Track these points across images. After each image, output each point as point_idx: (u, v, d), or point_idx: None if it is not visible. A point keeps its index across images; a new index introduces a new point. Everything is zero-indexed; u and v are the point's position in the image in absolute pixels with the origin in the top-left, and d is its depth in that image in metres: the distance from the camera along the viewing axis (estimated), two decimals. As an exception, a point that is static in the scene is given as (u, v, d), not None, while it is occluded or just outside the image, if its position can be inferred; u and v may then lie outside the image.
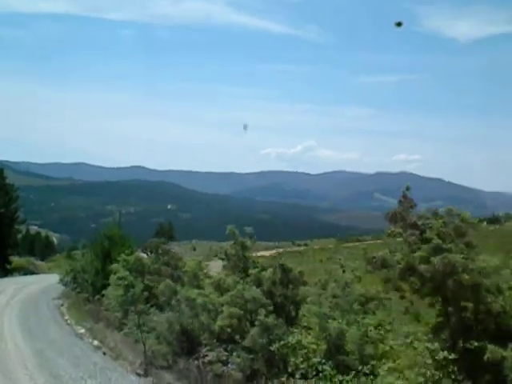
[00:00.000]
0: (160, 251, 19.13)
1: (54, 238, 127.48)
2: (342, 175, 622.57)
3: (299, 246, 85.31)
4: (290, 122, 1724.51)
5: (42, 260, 70.73)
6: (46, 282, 37.14)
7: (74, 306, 25.58)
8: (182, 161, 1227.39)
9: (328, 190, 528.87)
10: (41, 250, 70.41)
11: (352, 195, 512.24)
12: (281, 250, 79.26)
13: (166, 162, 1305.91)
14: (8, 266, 41.25)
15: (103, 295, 20.12)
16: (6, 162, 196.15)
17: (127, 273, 15.13)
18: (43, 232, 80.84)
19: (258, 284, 12.43)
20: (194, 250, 77.28)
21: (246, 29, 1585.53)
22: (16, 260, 44.33)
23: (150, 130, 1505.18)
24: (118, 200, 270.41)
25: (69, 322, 22.63)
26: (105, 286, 18.92)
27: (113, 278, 15.55)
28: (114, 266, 16.30)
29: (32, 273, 45.28)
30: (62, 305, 27.46)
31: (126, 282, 14.66)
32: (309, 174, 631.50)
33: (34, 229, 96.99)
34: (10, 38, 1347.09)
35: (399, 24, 9.78)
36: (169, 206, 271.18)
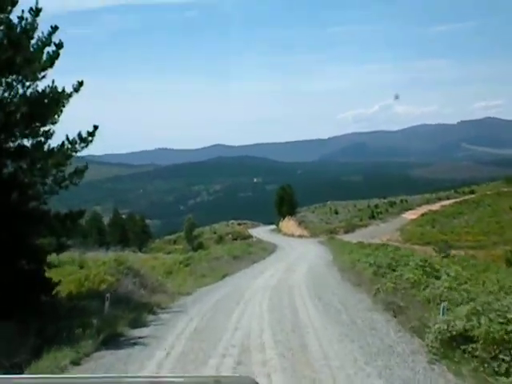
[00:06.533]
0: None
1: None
2: (424, 128, 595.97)
3: (464, 193, 78.11)
4: (364, 84, 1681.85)
5: (140, 250, 52.91)
6: None
7: None
8: (262, 134, 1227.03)
9: (412, 144, 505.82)
10: (137, 236, 62.24)
11: (438, 148, 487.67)
12: (449, 201, 70.25)
13: (245, 137, 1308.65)
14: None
15: None
16: (92, 156, 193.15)
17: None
18: (137, 216, 73.47)
19: None
20: (336, 213, 69.86)
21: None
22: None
23: (226, 109, 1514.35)
24: (202, 180, 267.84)
25: None
26: None
27: None
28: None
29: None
30: None
31: None
32: (390, 132, 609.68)
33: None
34: (80, 35, 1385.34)
35: None
36: (255, 180, 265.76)
